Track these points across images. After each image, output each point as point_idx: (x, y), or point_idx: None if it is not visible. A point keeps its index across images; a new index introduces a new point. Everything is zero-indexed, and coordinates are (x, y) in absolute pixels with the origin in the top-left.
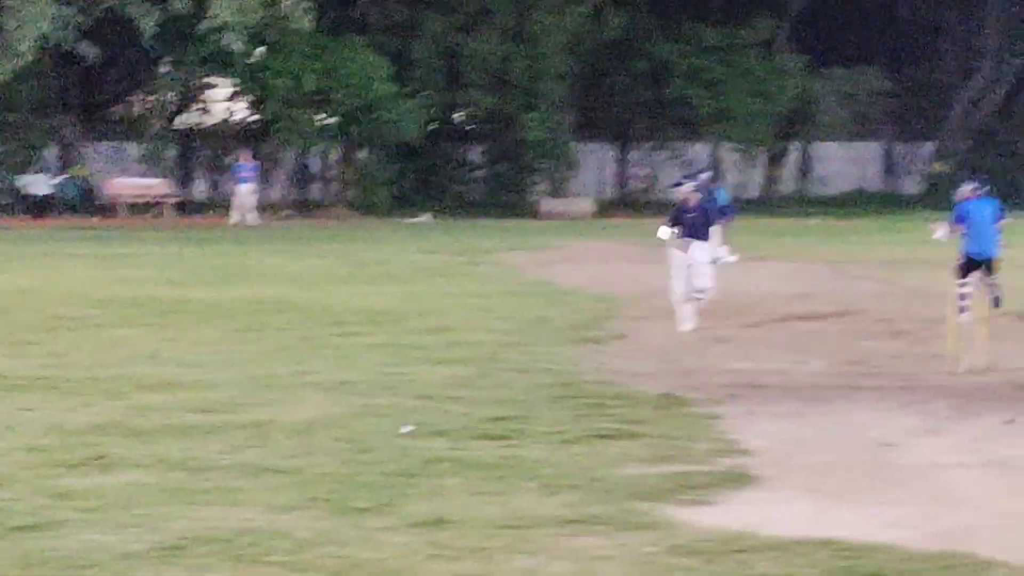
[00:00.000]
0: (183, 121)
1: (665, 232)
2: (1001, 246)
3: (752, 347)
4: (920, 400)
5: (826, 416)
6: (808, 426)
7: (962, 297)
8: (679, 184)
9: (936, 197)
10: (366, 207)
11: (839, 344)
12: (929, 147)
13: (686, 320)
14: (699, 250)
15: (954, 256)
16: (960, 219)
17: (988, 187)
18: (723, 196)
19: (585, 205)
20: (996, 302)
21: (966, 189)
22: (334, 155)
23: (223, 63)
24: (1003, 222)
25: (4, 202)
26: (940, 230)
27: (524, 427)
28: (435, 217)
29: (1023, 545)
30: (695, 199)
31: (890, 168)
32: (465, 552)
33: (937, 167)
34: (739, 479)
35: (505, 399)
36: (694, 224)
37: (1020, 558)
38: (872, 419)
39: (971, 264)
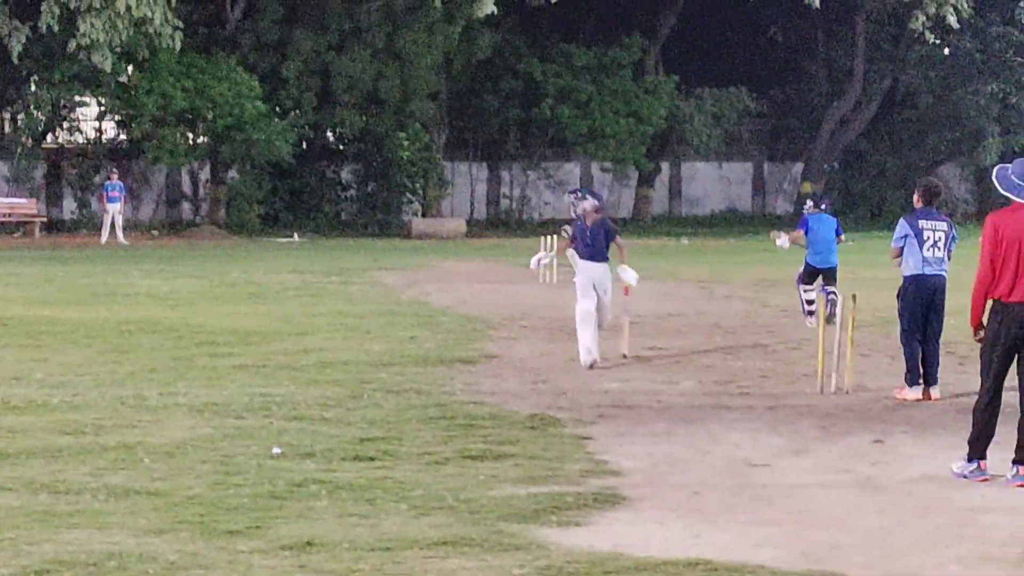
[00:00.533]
0: (52, 140)
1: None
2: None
3: (622, 367)
4: (788, 420)
5: (696, 436)
6: (678, 446)
7: (808, 303)
8: (580, 195)
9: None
10: (236, 227)
11: (709, 364)
12: (798, 167)
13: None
14: (606, 274)
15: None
16: (804, 230)
17: (831, 203)
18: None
19: (457, 225)
20: (832, 308)
21: (809, 205)
22: (204, 174)
23: (93, 81)
24: (841, 237)
25: None
26: (781, 239)
27: (394, 448)
28: (306, 237)
29: (889, 563)
30: (595, 217)
31: (760, 188)
32: (335, 575)
33: (806, 187)
34: (609, 500)
35: (376, 420)
36: (594, 243)
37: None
38: (741, 439)
39: (813, 273)
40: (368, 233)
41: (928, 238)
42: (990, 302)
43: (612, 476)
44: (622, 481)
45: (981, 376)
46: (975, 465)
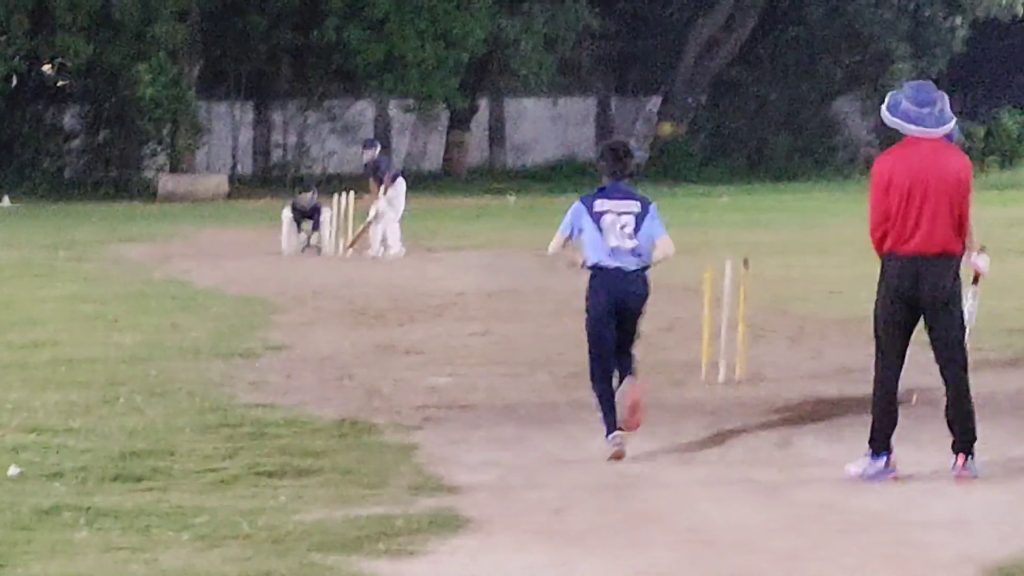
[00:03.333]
0: None
1: None
2: None
3: (451, 358)
4: (667, 419)
5: (552, 441)
6: (530, 454)
7: None
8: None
9: (665, 164)
10: None
11: (559, 351)
12: (655, 102)
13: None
14: None
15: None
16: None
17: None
18: None
19: (216, 183)
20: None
21: None
22: None
23: None
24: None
25: None
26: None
27: (166, 465)
28: (20, 201)
29: None
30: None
31: (606, 129)
32: None
33: (666, 128)
34: (448, 523)
35: (138, 430)
36: None
37: None
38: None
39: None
40: (101, 195)
41: (610, 223)
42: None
43: (449, 494)
44: (462, 499)
45: (876, 353)
46: (883, 460)
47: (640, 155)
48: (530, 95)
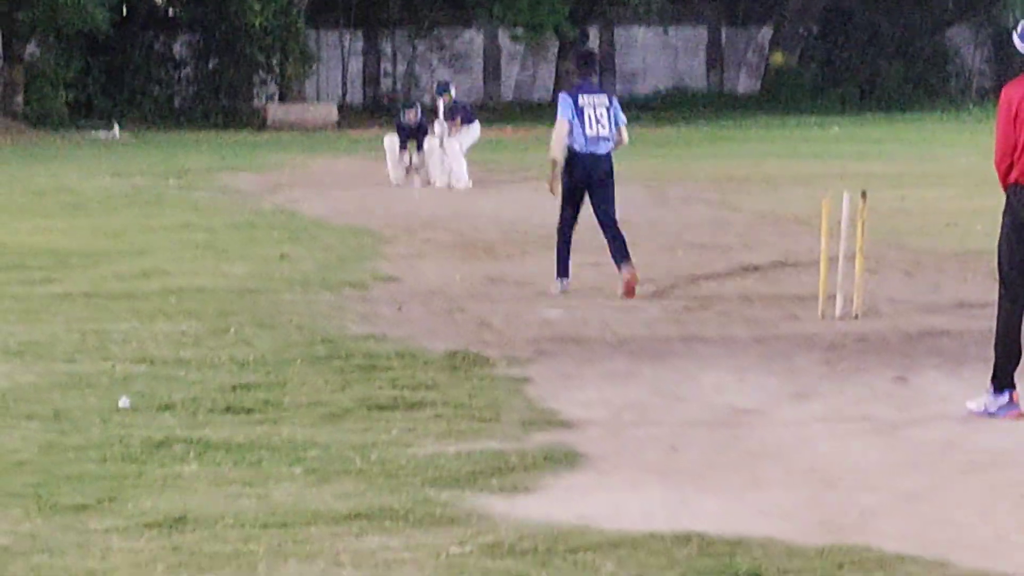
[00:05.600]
0: None
1: None
2: None
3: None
4: (783, 354)
5: (665, 377)
6: (643, 390)
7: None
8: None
9: (776, 96)
10: (38, 118)
11: (672, 284)
12: (766, 32)
13: None
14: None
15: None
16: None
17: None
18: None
19: (326, 112)
20: None
21: None
22: None
23: None
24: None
25: None
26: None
27: (277, 397)
28: (130, 129)
29: (932, 533)
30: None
31: (717, 60)
32: (219, 559)
33: (777, 58)
34: (563, 459)
35: (248, 362)
36: None
37: (930, 550)
38: (724, 379)
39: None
40: (211, 124)
41: (589, 116)
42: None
43: (563, 429)
44: (576, 435)
45: (1000, 287)
46: (1005, 397)
47: (752, 85)
48: (640, 23)
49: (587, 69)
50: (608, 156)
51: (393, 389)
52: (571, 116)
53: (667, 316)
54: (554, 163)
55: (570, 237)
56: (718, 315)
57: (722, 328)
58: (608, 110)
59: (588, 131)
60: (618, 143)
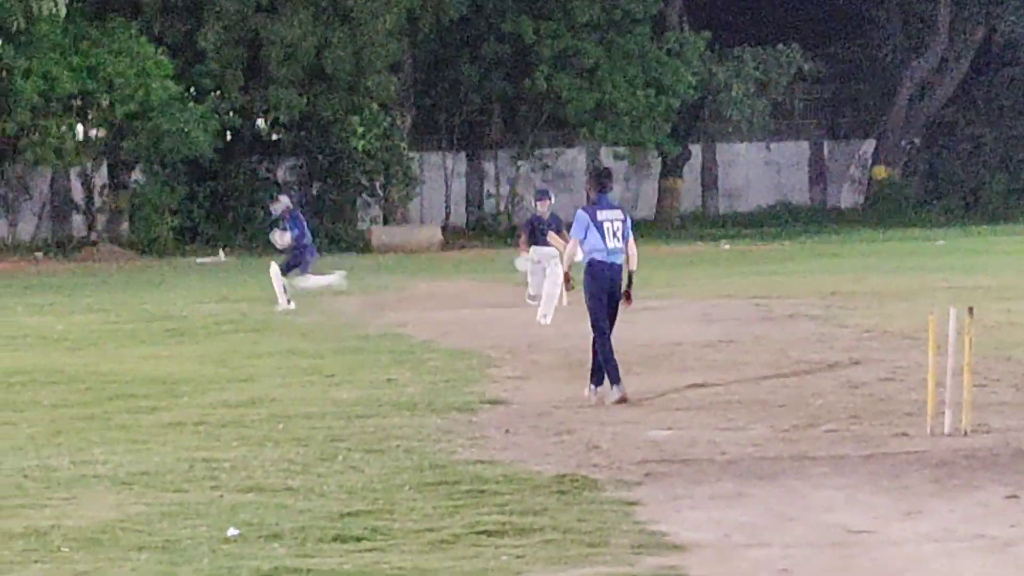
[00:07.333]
0: None
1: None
2: None
3: (670, 410)
4: (892, 471)
5: (775, 497)
6: (753, 511)
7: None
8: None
9: (879, 209)
10: (144, 244)
11: (781, 403)
12: (868, 145)
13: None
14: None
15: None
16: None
17: None
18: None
19: (429, 233)
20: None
21: None
22: (100, 178)
23: None
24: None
25: None
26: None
27: (386, 524)
28: (234, 255)
29: None
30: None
31: (820, 174)
32: None
33: (880, 171)
34: None
35: (356, 488)
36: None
37: None
38: (834, 499)
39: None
40: (316, 247)
41: (608, 229)
42: None
43: (674, 552)
44: (687, 558)
45: None
46: None
47: (855, 199)
48: (742, 140)
49: (605, 185)
50: (620, 266)
51: (502, 514)
52: (583, 235)
53: (774, 435)
54: (567, 277)
55: (611, 342)
56: (827, 433)
57: (831, 446)
58: (623, 224)
59: (609, 243)
60: (628, 256)
